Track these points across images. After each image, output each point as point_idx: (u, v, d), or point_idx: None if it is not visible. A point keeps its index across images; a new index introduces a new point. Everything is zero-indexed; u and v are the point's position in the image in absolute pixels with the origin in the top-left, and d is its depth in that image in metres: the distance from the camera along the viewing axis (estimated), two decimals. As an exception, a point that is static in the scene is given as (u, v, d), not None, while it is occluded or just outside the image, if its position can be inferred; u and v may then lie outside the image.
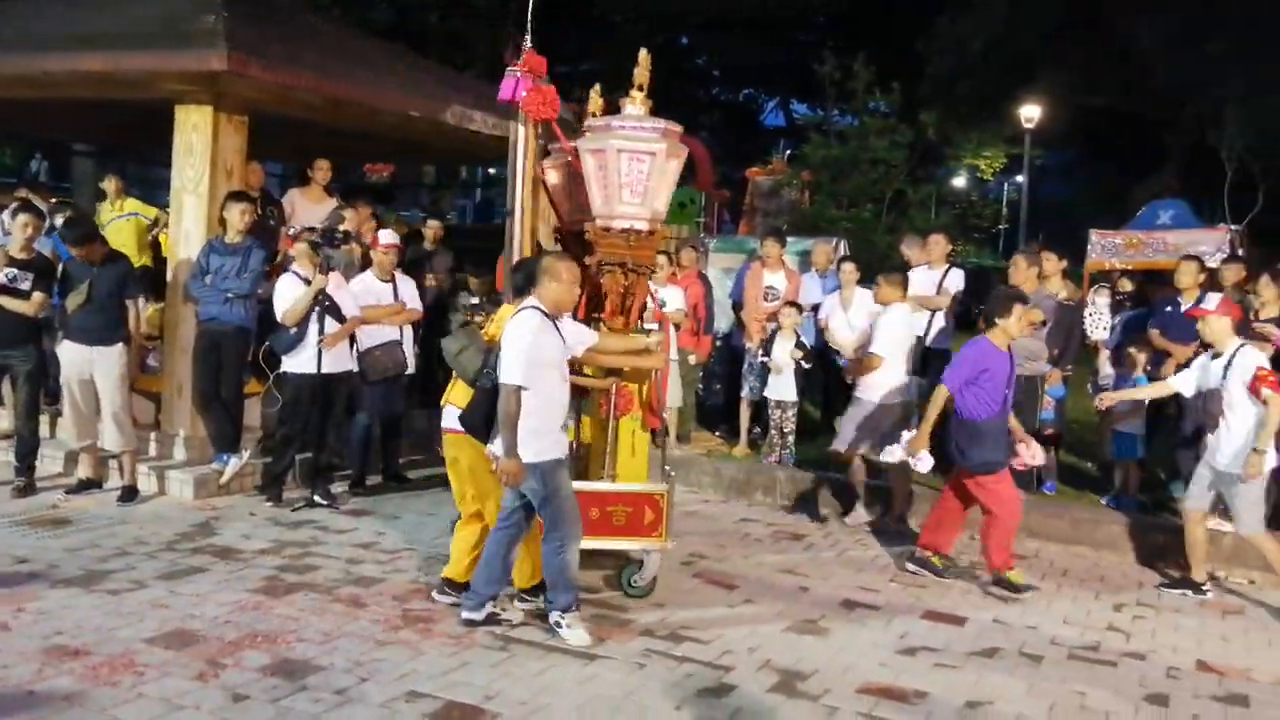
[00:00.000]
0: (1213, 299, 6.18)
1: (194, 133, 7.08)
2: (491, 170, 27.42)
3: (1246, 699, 4.62)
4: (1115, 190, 22.74)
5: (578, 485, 5.21)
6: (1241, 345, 5.95)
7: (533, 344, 4.61)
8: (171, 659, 4.34)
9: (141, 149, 12.00)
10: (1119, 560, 6.74)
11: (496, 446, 4.73)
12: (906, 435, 6.21)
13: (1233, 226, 14.79)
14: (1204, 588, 6.06)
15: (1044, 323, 7.25)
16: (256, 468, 7.26)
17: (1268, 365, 5.89)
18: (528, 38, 5.61)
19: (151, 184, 11.51)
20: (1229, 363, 5.89)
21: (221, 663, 4.32)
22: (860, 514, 7.32)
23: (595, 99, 5.74)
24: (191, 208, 7.20)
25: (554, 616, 4.82)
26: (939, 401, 5.97)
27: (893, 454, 6.31)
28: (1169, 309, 7.58)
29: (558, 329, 4.78)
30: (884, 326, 7.07)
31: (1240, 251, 11.59)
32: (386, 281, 7.48)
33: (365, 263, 7.82)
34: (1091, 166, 28.24)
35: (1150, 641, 5.30)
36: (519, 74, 5.50)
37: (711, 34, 25.62)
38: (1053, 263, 7.89)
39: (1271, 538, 5.93)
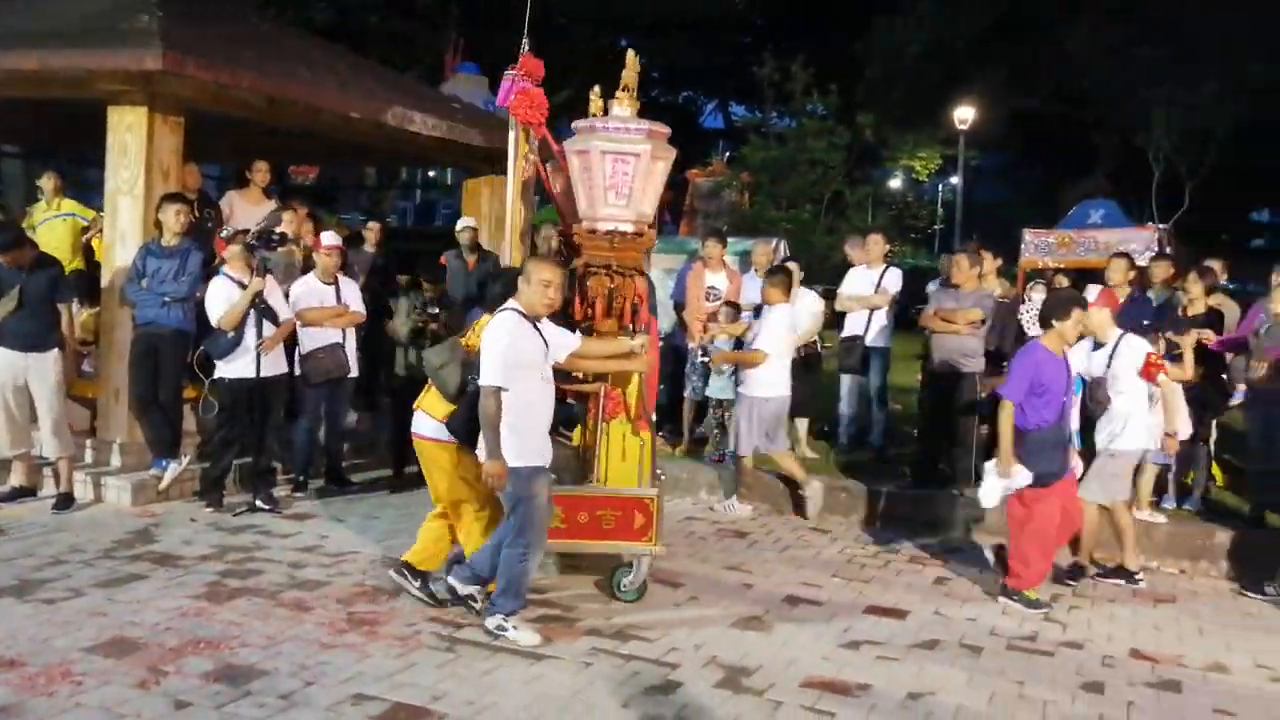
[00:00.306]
0: (1092, 291, 6.36)
1: (128, 133, 6.94)
2: (431, 173, 27.21)
3: (1179, 685, 4.76)
4: (1047, 192, 23.30)
5: (568, 490, 5.23)
6: (1123, 335, 6.16)
7: (509, 345, 4.59)
8: (111, 667, 4.26)
9: (75, 150, 11.73)
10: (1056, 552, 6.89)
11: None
12: (991, 465, 5.79)
13: (1160, 225, 15.23)
14: (1137, 576, 6.24)
15: (983, 321, 7.40)
16: (196, 473, 7.15)
17: (1154, 350, 6.16)
18: (525, 41, 5.54)
19: (86, 186, 11.24)
20: (1114, 352, 6.10)
21: (163, 670, 4.25)
22: (737, 506, 7.59)
23: (595, 101, 5.62)
24: (126, 210, 7.06)
25: (496, 620, 4.79)
26: (1009, 418, 5.69)
27: (992, 494, 5.77)
28: (1099, 306, 7.78)
29: (539, 331, 4.74)
30: (768, 325, 7.36)
31: (1168, 249, 11.95)
32: (329, 284, 7.41)
33: (307, 265, 7.74)
34: (1024, 169, 28.86)
35: (1086, 631, 5.44)
36: (515, 77, 5.42)
37: (652, 36, 25.72)
38: (989, 261, 8.06)
39: (1099, 510, 6.15)
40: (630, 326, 5.48)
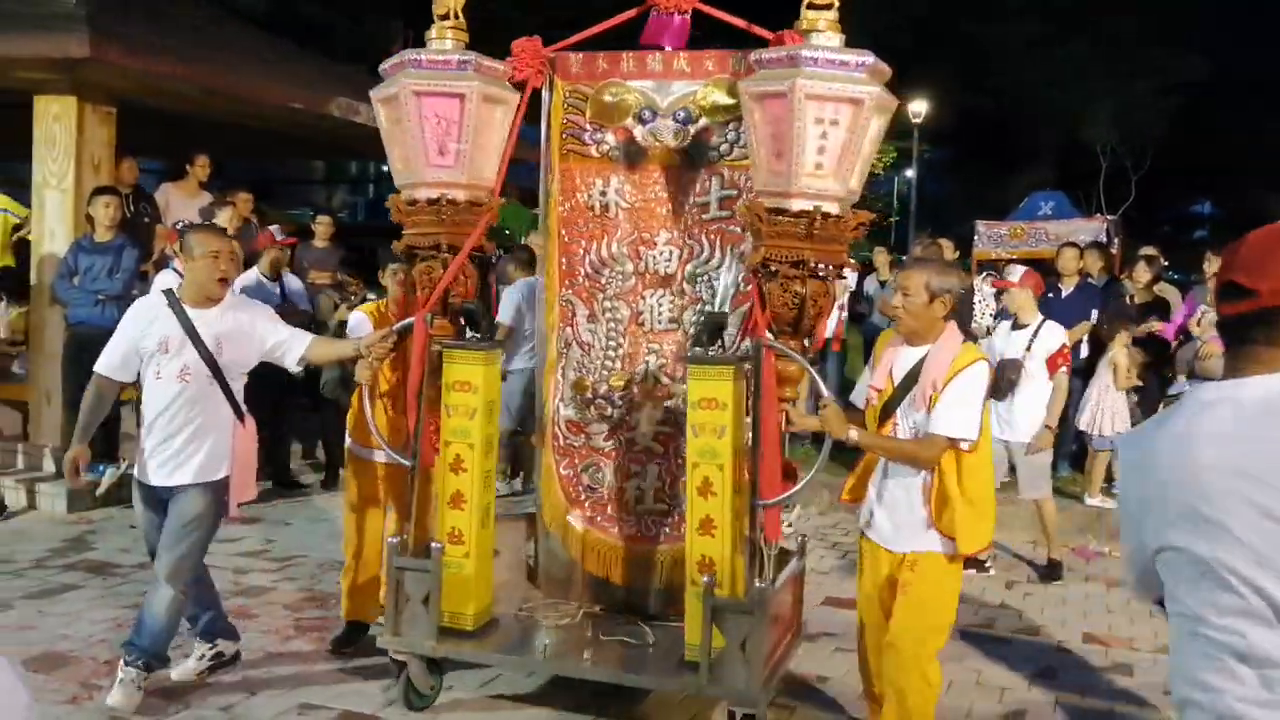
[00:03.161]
0: (1017, 270, 6.32)
1: (56, 124, 6.68)
2: (385, 167, 26.88)
3: (1131, 668, 4.78)
4: (994, 185, 23.61)
5: None
6: (1045, 320, 6.11)
7: (128, 330, 3.98)
8: (41, 684, 4.07)
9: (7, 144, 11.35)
10: (1009, 540, 6.90)
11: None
12: None
13: (1109, 216, 15.45)
14: (986, 564, 6.14)
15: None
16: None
17: (1069, 344, 6.16)
18: None
19: (18, 182, 10.88)
20: (1034, 335, 6.02)
21: (96, 684, 4.07)
22: None
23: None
24: (55, 204, 6.80)
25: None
26: None
27: None
28: (1049, 295, 7.82)
29: (180, 318, 3.93)
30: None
31: (1116, 239, 12.13)
32: (273, 280, 7.22)
33: (248, 260, 7.55)
34: (971, 162, 29.17)
35: (1040, 617, 5.44)
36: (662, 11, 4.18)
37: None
38: (948, 251, 8.11)
39: (1053, 502, 6.19)
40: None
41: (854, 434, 3.45)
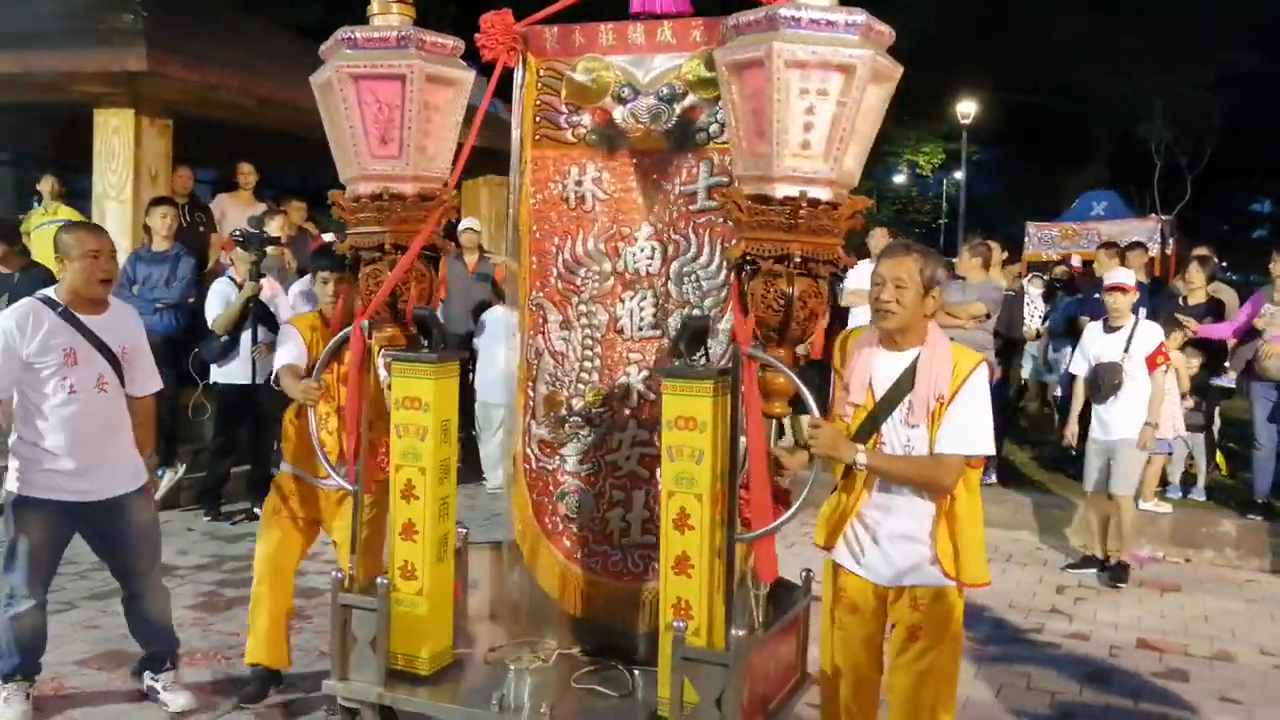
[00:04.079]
0: (1128, 274, 6.30)
1: (115, 136, 6.87)
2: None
3: (1185, 674, 4.71)
4: (1045, 184, 23.30)
5: None
6: (1139, 321, 6.08)
7: (13, 344, 3.62)
8: (105, 681, 4.20)
9: (68, 155, 11.68)
10: (1060, 543, 6.84)
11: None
12: None
13: (1164, 216, 15.17)
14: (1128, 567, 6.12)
15: (988, 315, 7.32)
16: (194, 481, 7.08)
17: (1167, 341, 6.12)
18: None
19: (73, 195, 11.18)
20: (1130, 336, 5.98)
21: (157, 681, 4.19)
22: None
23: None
24: (115, 215, 6.99)
25: None
26: None
27: None
28: (1097, 296, 7.74)
29: (74, 324, 3.68)
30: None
31: (1172, 239, 11.95)
32: (328, 285, 7.33)
33: (302, 269, 7.68)
34: (1021, 162, 28.83)
35: (1092, 622, 5.38)
36: None
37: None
38: (996, 252, 8.05)
39: (1133, 503, 6.13)
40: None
41: (862, 458, 2.90)
